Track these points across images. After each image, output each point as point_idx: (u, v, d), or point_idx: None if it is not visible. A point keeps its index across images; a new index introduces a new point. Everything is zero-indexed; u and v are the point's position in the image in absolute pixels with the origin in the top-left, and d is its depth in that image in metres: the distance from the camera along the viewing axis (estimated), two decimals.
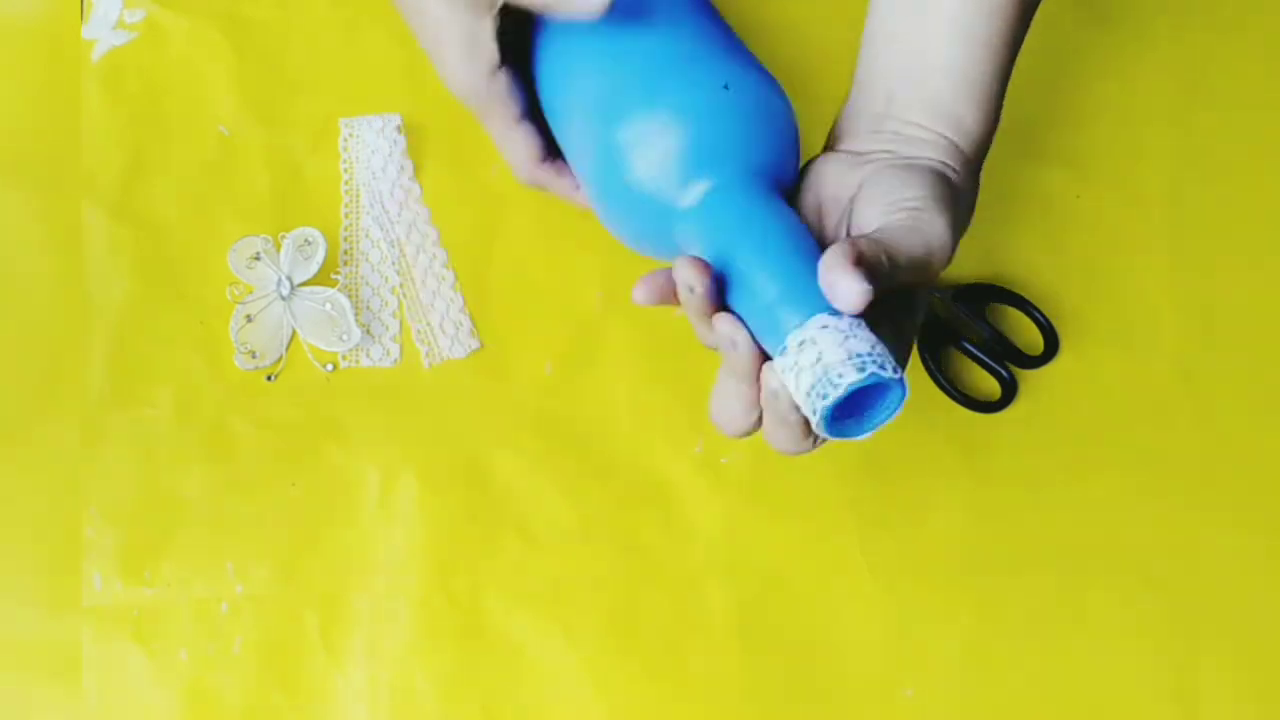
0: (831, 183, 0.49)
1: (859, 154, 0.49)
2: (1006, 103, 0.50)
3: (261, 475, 0.60)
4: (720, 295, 0.46)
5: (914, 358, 0.63)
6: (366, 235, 0.63)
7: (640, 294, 0.46)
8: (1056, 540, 0.62)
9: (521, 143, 0.54)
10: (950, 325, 0.63)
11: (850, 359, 0.42)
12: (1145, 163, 0.66)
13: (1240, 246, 0.66)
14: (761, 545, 0.61)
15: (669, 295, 0.46)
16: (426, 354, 0.62)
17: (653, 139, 0.48)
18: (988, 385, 0.63)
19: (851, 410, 0.43)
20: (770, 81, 0.51)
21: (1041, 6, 0.51)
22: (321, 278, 0.62)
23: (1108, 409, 0.63)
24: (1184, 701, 0.61)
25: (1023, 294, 0.64)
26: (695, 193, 0.48)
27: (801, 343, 0.43)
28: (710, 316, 0.45)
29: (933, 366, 0.63)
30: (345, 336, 0.62)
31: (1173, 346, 0.64)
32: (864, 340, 0.42)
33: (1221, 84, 0.67)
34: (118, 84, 0.64)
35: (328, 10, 0.66)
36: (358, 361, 0.62)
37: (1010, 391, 0.63)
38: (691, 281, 0.44)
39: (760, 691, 0.60)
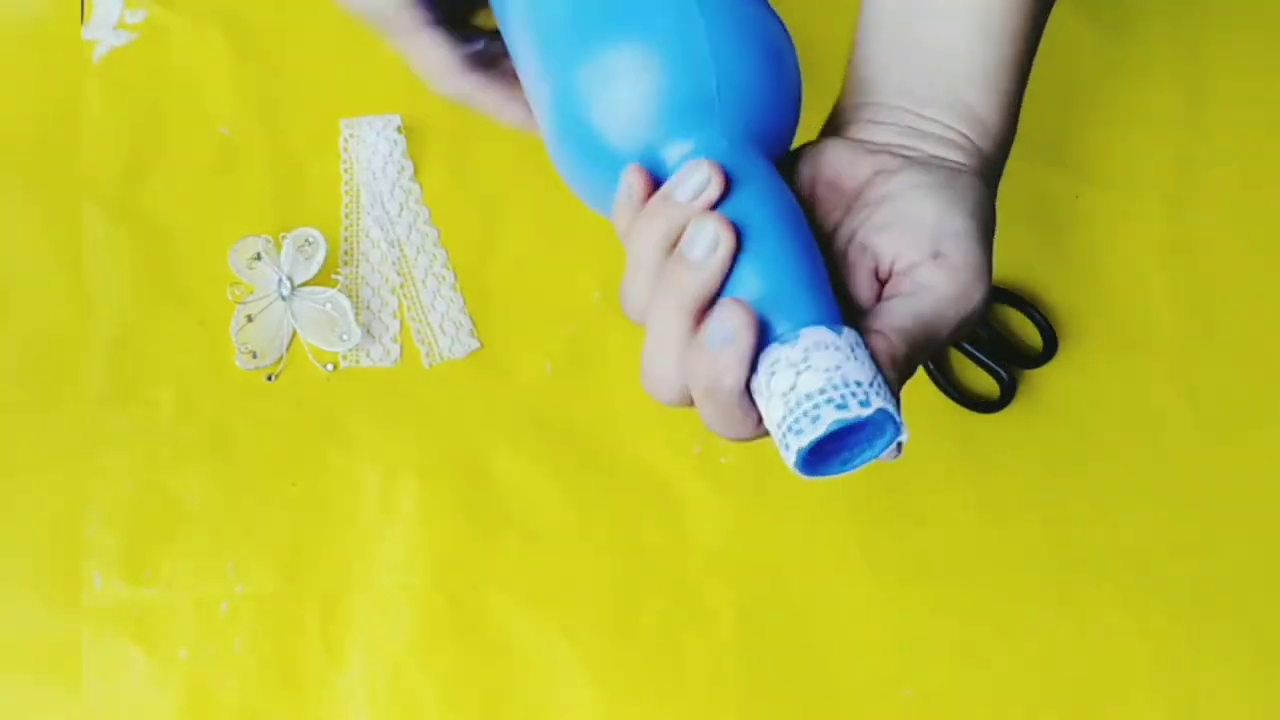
0: (832, 167, 0.41)
1: (868, 143, 0.42)
2: None
3: (261, 475, 0.60)
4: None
5: None
6: (367, 235, 0.63)
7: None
8: (1056, 540, 0.62)
9: (432, 50, 0.47)
10: None
11: (830, 390, 0.34)
12: (1145, 163, 0.66)
13: (1240, 247, 0.65)
14: (761, 545, 0.61)
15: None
16: (426, 354, 0.62)
17: (617, 78, 0.39)
18: (987, 385, 0.63)
19: (832, 446, 0.36)
20: (773, 16, 0.42)
21: None
22: (322, 278, 0.62)
23: (1107, 409, 0.63)
24: (1184, 701, 0.61)
25: (1022, 294, 0.64)
26: (670, 154, 0.39)
27: (777, 361, 0.35)
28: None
29: (932, 367, 0.63)
30: (345, 336, 0.62)
31: (1172, 346, 0.64)
32: (861, 368, 0.35)
33: (1221, 84, 0.67)
34: (118, 85, 0.64)
35: (328, 10, 0.66)
36: (358, 361, 0.62)
37: (1009, 392, 0.63)
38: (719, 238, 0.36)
39: (760, 691, 0.60)
